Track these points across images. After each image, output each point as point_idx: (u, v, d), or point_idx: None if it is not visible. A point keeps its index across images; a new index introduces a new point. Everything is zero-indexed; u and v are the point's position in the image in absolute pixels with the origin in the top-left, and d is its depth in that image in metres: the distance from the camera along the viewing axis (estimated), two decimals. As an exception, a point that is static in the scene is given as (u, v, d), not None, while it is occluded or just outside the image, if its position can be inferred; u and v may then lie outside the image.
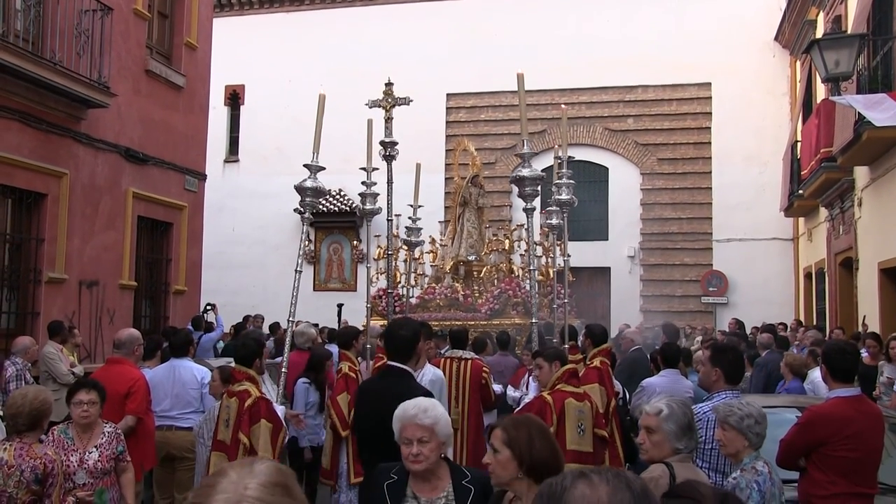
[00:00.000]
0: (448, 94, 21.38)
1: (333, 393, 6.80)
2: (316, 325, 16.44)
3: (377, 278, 12.53)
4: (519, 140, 5.16)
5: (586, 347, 6.90)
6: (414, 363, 4.56)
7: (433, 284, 13.91)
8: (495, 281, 13.22)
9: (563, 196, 6.75)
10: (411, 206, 7.37)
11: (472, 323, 12.33)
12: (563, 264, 14.57)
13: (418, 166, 7.42)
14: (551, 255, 14.22)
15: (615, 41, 20.14)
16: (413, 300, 14.15)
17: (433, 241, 14.82)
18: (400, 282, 14.37)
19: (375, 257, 13.05)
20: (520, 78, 5.36)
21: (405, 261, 14.29)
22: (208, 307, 14.48)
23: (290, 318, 5.42)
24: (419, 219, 7.51)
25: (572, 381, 5.34)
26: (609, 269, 20.06)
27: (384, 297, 11.82)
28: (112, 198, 11.79)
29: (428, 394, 4.30)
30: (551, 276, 14.03)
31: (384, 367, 4.48)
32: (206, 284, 15.16)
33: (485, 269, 13.55)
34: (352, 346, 7.14)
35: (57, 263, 10.62)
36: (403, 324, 4.62)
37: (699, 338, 13.61)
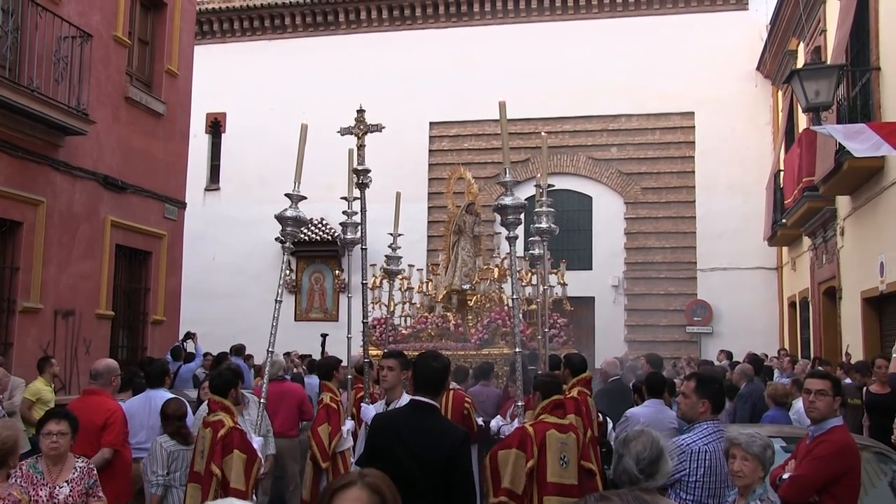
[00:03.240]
0: (431, 123, 21.51)
1: (314, 424, 6.77)
2: (287, 355, 16.44)
3: (373, 307, 12.54)
4: (502, 169, 5.21)
5: (565, 377, 6.90)
6: (441, 399, 4.47)
7: (425, 314, 13.93)
8: (486, 311, 13.27)
9: (543, 224, 6.78)
10: (391, 234, 7.38)
11: (462, 353, 12.35)
12: (557, 293, 14.90)
13: (398, 195, 7.45)
14: (547, 284, 14.32)
15: (598, 70, 20.36)
16: (404, 330, 14.20)
17: (433, 270, 14.89)
18: (394, 311, 14.45)
19: (371, 286, 13.07)
20: (501, 106, 5.42)
21: (400, 289, 14.41)
22: (187, 337, 14.39)
23: (270, 349, 5.40)
24: (399, 247, 7.52)
25: (557, 412, 5.33)
26: (593, 298, 20.11)
27: (379, 326, 11.86)
28: (90, 226, 11.74)
29: (463, 431, 4.27)
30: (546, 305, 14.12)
31: (411, 400, 4.38)
32: (185, 314, 15.07)
33: (475, 298, 13.59)
34: (333, 377, 7.11)
35: (32, 293, 10.54)
36: (436, 355, 4.52)
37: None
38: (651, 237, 20.23)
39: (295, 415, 8.90)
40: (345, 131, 6.73)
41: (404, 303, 14.73)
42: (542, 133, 8.02)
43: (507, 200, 5.14)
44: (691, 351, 18.82)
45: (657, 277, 20.08)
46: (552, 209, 7.00)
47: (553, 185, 7.81)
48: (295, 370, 13.72)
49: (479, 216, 15.02)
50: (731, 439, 3.97)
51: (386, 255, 7.55)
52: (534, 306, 12.53)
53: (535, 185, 7.24)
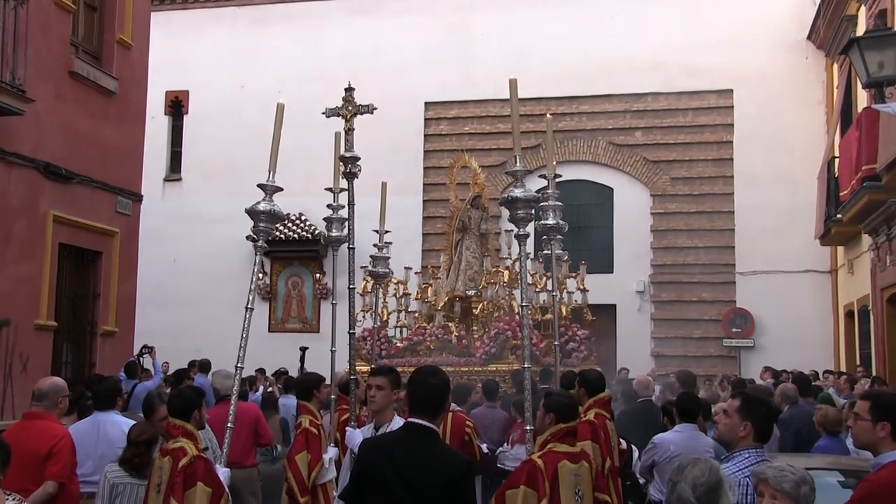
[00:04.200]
0: (427, 103, 21.52)
1: (291, 451, 6.75)
2: (261, 372, 16.43)
3: (363, 317, 12.53)
4: (510, 156, 5.21)
5: (580, 397, 6.88)
6: (440, 421, 4.45)
7: (423, 324, 13.93)
8: (493, 321, 13.29)
9: (550, 221, 6.75)
10: (376, 231, 7.36)
11: (466, 369, 12.34)
12: (576, 301, 14.88)
13: (383, 185, 7.42)
14: (564, 290, 14.37)
15: (621, 42, 20.37)
16: (398, 342, 14.19)
17: (433, 273, 14.89)
18: (387, 321, 14.47)
19: (361, 292, 13.05)
20: (512, 85, 5.40)
21: (395, 296, 14.42)
22: (144, 351, 14.36)
23: (239, 364, 5.38)
24: (387, 245, 7.50)
25: (567, 440, 5.30)
26: (614, 306, 20.10)
27: (370, 338, 11.89)
28: (28, 222, 11.71)
29: (466, 460, 4.26)
30: (565, 314, 14.18)
31: (406, 423, 4.36)
32: (141, 324, 15.03)
33: (480, 306, 13.60)
34: (313, 397, 7.09)
35: (-39, 300, 10.51)
36: (434, 371, 4.49)
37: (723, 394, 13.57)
38: (682, 235, 20.24)
39: (251, 439, 8.88)
40: (331, 112, 6.72)
41: (399, 311, 14.74)
42: (547, 116, 7.98)
43: (518, 193, 5.11)
44: (729, 368, 18.83)
45: (689, 282, 20.08)
46: (559, 203, 6.96)
47: (560, 176, 7.79)
48: (269, 388, 13.72)
49: (487, 211, 15.02)
50: (757, 474, 3.91)
51: (371, 256, 7.53)
52: (549, 316, 12.54)
53: (541, 176, 7.22)
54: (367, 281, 13.32)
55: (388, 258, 7.58)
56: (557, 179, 7.20)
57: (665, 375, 16.65)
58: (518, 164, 5.23)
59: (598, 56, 20.40)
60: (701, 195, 20.28)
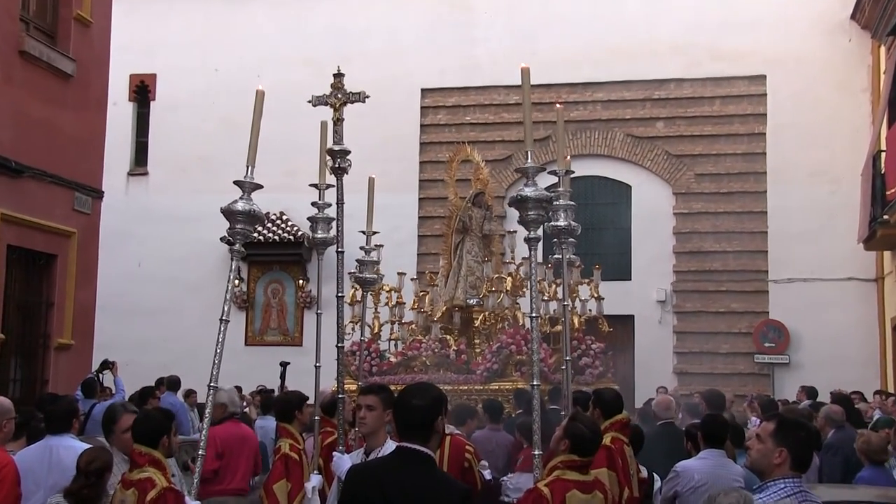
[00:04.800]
0: (423, 91, 21.52)
1: (269, 480, 6.74)
2: (238, 391, 16.40)
3: (353, 329, 12.53)
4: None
5: (595, 420, 6.87)
6: (435, 445, 4.45)
7: (419, 337, 13.93)
8: (496, 333, 13.29)
9: (560, 222, 6.73)
10: (363, 232, 7.34)
11: (465, 387, 12.35)
12: (590, 310, 14.83)
13: (370, 181, 7.38)
14: (577, 298, 14.38)
15: (641, 22, 20.40)
16: (391, 357, 14.19)
17: (431, 279, 14.90)
18: (379, 333, 14.48)
19: (350, 301, 13.04)
20: (525, 73, 5.38)
21: (388, 305, 14.41)
22: (104, 367, 14.34)
23: (212, 383, 5.36)
24: (376, 248, 7.47)
25: (578, 469, 5.28)
26: (632, 317, 20.10)
27: (360, 352, 11.85)
28: (-25, 221, 11.70)
29: (464, 489, 4.25)
30: (578, 325, 14.19)
31: (397, 448, 4.36)
32: (101, 337, 15.02)
33: (481, 317, 13.60)
34: (294, 419, 7.08)
35: None
36: (418, 391, 4.48)
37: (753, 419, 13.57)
38: (708, 238, 20.23)
39: (252, 467, 8.90)
40: (318, 101, 6.70)
41: (393, 322, 14.74)
42: (558, 105, 7.96)
43: (529, 192, 5.10)
44: (761, 387, 18.82)
45: (716, 291, 20.07)
46: (572, 202, 6.94)
47: (573, 172, 7.78)
48: (245, 408, 13.69)
49: (491, 210, 15.02)
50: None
51: (358, 260, 7.51)
52: (559, 327, 12.53)
53: (550, 172, 7.21)
54: (357, 289, 13.32)
55: (377, 262, 7.56)
56: (569, 176, 7.18)
57: (689, 395, 16.65)
58: (530, 159, 5.22)
59: (614, 37, 20.40)
60: (730, 193, 20.28)
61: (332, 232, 6.82)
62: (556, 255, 7.55)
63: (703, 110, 20.48)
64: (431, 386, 4.71)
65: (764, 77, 20.19)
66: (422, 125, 21.58)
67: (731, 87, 20.38)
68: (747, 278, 20.01)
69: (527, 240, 5.29)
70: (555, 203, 6.78)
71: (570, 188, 7.06)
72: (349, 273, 7.58)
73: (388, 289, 14.40)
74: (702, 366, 19.71)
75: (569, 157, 9.47)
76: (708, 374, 19.13)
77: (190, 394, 15.39)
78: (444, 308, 14.09)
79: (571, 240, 7.20)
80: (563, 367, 7.08)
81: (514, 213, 13.56)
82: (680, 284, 20.27)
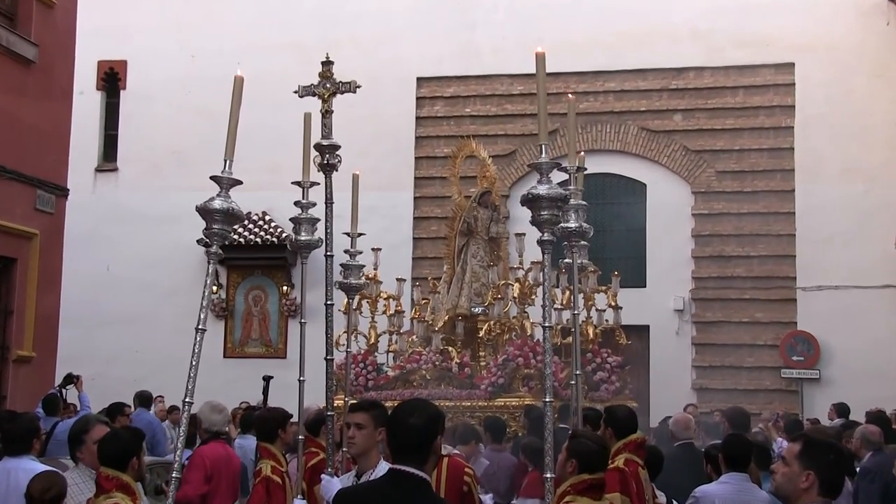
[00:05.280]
0: (419, 79, 21.51)
1: (249, 506, 6.74)
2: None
3: (349, 340, 12.51)
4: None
5: (607, 440, 6.87)
6: (431, 467, 4.45)
7: (419, 349, 13.94)
8: (503, 344, 13.29)
9: (571, 224, 6.73)
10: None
11: (468, 404, 12.37)
12: (607, 320, 14.82)
13: (355, 178, 7.38)
14: (595, 307, 14.39)
15: (657, 5, 20.43)
16: (389, 370, 14.20)
17: (433, 286, 14.90)
18: (376, 345, 14.49)
19: (343, 309, 12.99)
20: (539, 59, 5.36)
21: (385, 312, 14.41)
22: (68, 381, 14.32)
23: (186, 399, 5.34)
24: (373, 251, 7.48)
25: (591, 493, 5.29)
26: (647, 327, 20.08)
27: (355, 366, 11.91)
28: (-73, 222, 11.69)
29: None
30: (593, 337, 14.19)
31: (390, 471, 4.35)
32: (65, 348, 15.01)
33: (485, 326, 13.61)
34: (277, 438, 7.07)
35: None
36: (415, 408, 4.47)
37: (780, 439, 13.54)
38: (730, 242, 20.24)
39: (234, 492, 8.88)
40: (305, 91, 6.70)
41: (392, 332, 14.75)
42: (569, 95, 7.96)
43: (543, 189, 5.09)
44: (789, 404, 18.81)
45: (739, 299, 20.08)
46: (584, 202, 6.95)
47: (585, 168, 7.77)
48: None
49: (499, 210, 15.04)
50: None
51: (342, 265, 7.51)
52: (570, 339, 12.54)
53: (561, 169, 7.21)
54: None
55: (362, 267, 7.54)
56: (579, 172, 7.17)
57: (709, 413, 16.65)
58: (544, 154, 5.21)
59: (628, 22, 20.40)
60: (754, 192, 20.28)
61: (318, 234, 6.82)
62: (566, 259, 7.54)
63: (725, 101, 20.48)
64: (428, 402, 4.70)
65: (792, 65, 20.19)
66: (417, 117, 21.56)
67: (755, 76, 20.38)
68: (773, 285, 20.01)
69: (540, 242, 5.25)
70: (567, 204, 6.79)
71: (581, 187, 7.07)
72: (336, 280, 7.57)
73: (385, 296, 14.40)
74: (723, 381, 19.69)
75: (583, 153, 9.48)
76: (730, 391, 19.13)
77: (172, 410, 15.38)
78: (447, 317, 14.11)
79: (584, 243, 7.21)
80: (573, 382, 7.09)
81: (519, 214, 13.64)
82: (699, 292, 20.26)
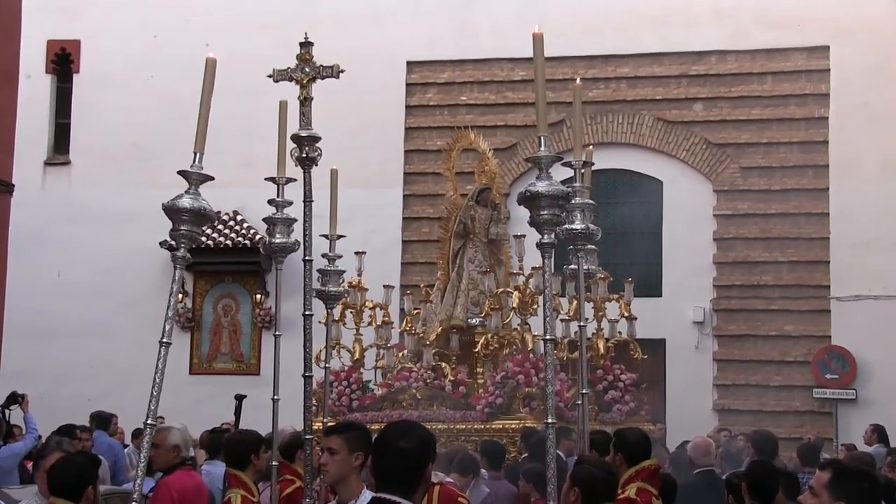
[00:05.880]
0: (409, 64, 21.51)
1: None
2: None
3: (334, 353, 12.56)
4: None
5: (617, 466, 6.89)
6: (420, 497, 4.47)
7: (409, 365, 13.94)
8: (503, 359, 13.30)
9: (577, 224, 6.73)
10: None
11: (463, 426, 12.36)
12: (620, 333, 14.80)
13: (333, 173, 7.38)
14: (607, 318, 14.40)
15: (675, -19, 20.47)
16: (376, 388, 14.18)
17: (426, 295, 14.87)
18: (362, 360, 14.46)
19: (324, 321, 13.00)
20: (537, 40, 5.39)
21: (371, 323, 14.39)
22: (12, 401, 14.29)
23: (148, 422, 5.35)
24: (341, 257, 7.45)
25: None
26: (663, 341, 20.09)
27: (338, 383, 11.85)
28: None
29: None
30: (604, 351, 14.19)
31: (374, 500, 4.37)
32: (10, 364, 15.01)
33: (482, 340, 13.60)
34: (248, 465, 7.08)
35: None
36: (405, 430, 4.48)
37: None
38: (756, 246, 20.26)
39: None
40: (281, 76, 6.72)
41: (379, 346, 14.72)
42: (577, 81, 7.97)
43: (542, 186, 5.10)
44: (822, 427, 18.82)
45: (766, 310, 20.09)
46: (591, 201, 6.96)
47: (593, 164, 7.78)
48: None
49: (499, 209, 15.01)
50: None
51: (319, 270, 7.52)
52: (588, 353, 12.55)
53: (565, 163, 7.24)
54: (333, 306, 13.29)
55: (343, 273, 7.55)
56: (589, 168, 7.18)
57: (732, 438, 16.67)
58: (543, 146, 5.23)
59: (642, 0, 20.47)
60: (783, 191, 20.31)
61: (295, 235, 6.82)
62: (572, 265, 7.55)
63: (752, 89, 20.51)
64: (419, 425, 4.72)
65: (826, 48, 20.22)
66: (407, 106, 21.56)
67: (785, 61, 20.41)
68: (804, 295, 20.02)
69: (539, 245, 5.26)
70: (570, 202, 6.80)
71: (588, 185, 7.08)
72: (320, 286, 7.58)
73: (371, 305, 14.39)
74: (748, 401, 19.71)
75: (591, 147, 9.50)
76: (756, 413, 19.14)
77: (138, 434, 15.36)
78: (440, 329, 14.08)
79: (590, 246, 7.22)
80: (578, 402, 7.09)
81: (521, 215, 13.57)
82: (722, 302, 20.29)
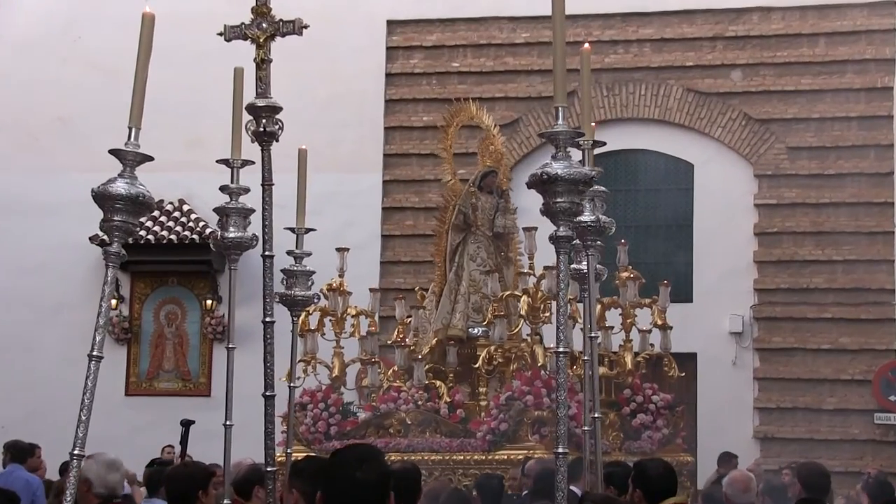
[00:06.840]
0: (390, 23, 21.52)
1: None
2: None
3: (309, 371, 12.57)
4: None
5: (636, 503, 6.92)
6: None
7: (398, 383, 13.93)
8: (509, 376, 13.33)
9: (587, 217, 6.72)
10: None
11: (461, 457, 12.37)
12: (652, 345, 14.76)
13: (302, 153, 7.38)
14: (637, 328, 14.40)
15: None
16: (359, 411, 14.19)
17: (420, 299, 14.88)
18: (342, 377, 14.47)
19: (300, 330, 13.03)
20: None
21: (355, 335, 14.38)
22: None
23: (74, 452, 5.35)
24: (310, 254, 7.44)
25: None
26: (694, 356, 20.08)
27: (314, 406, 11.84)
28: None
29: None
30: (632, 366, 14.18)
31: None
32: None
33: (484, 353, 13.57)
34: (196, 501, 7.10)
35: None
36: (361, 458, 4.49)
37: None
38: (807, 241, 20.30)
39: None
40: (233, 34, 6.70)
41: (369, 362, 14.69)
42: (585, 46, 7.96)
43: (560, 168, 5.06)
44: (884, 458, 18.87)
45: (818, 318, 20.12)
46: (602, 188, 6.95)
47: (604, 143, 7.77)
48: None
49: (507, 196, 14.91)
50: None
51: (283, 271, 7.52)
52: (605, 369, 12.56)
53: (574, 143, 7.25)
54: (308, 313, 13.26)
55: (312, 273, 7.54)
56: (598, 149, 7.19)
57: (776, 471, 16.73)
58: (561, 119, 5.18)
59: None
60: (839, 176, 20.36)
61: (253, 229, 6.82)
62: (582, 265, 7.56)
63: (801, 54, 20.55)
64: (375, 450, 4.69)
65: (892, 4, 20.29)
66: (388, 74, 21.56)
67: (842, 19, 20.45)
68: (864, 300, 20.07)
69: (554, 239, 5.22)
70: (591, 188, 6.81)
71: (598, 168, 7.08)
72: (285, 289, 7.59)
73: (354, 312, 14.35)
74: (795, 428, 19.76)
75: (594, 123, 9.48)
76: (804, 441, 19.21)
77: (66, 468, 15.36)
78: (435, 340, 14.07)
79: (598, 242, 7.22)
80: (587, 428, 7.10)
81: (525, 204, 13.66)
82: (764, 309, 20.33)
